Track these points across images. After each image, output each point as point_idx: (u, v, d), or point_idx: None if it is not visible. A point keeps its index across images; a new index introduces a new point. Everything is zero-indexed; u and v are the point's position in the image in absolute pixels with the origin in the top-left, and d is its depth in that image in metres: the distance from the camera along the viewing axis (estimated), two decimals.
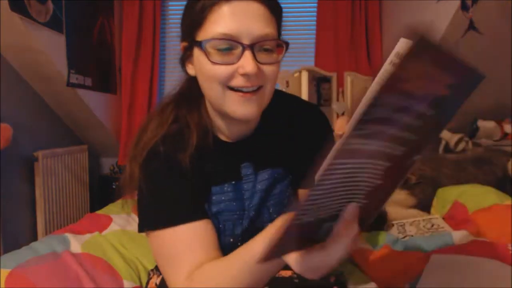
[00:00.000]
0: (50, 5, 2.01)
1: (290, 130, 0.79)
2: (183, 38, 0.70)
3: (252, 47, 0.61)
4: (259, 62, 0.62)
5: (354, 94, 2.86)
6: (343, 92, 2.86)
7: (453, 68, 0.35)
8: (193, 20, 0.64)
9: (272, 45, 0.64)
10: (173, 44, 2.94)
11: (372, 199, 0.46)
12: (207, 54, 0.62)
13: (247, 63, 0.61)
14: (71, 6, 2.22)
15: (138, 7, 2.76)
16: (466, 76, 0.37)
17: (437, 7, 1.92)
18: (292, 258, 0.48)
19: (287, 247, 0.46)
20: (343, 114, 2.89)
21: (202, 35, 0.63)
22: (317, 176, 0.39)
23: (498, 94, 2.31)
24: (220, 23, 0.61)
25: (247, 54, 0.61)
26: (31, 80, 2.17)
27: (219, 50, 0.62)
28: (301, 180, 0.78)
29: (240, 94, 0.64)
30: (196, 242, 0.66)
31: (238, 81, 0.63)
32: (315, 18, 2.83)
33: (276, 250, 0.44)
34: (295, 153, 0.78)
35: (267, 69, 0.64)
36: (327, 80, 2.86)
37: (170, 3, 2.92)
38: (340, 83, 2.85)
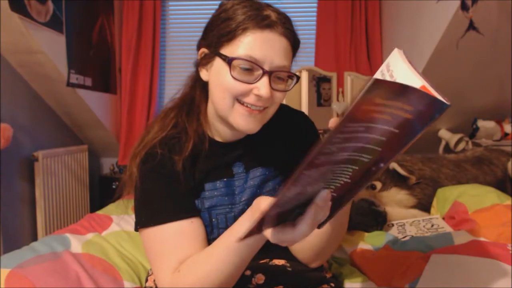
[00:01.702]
0: (50, 5, 2.01)
1: (280, 133, 0.86)
2: (205, 46, 0.75)
3: (270, 73, 0.69)
4: (272, 87, 0.70)
5: (354, 94, 2.86)
6: (343, 92, 2.86)
7: (411, 97, 0.40)
8: (223, 34, 0.70)
9: (285, 76, 0.72)
10: (173, 44, 2.94)
11: (340, 194, 0.55)
12: (231, 68, 0.68)
13: (263, 87, 0.68)
14: (71, 6, 2.22)
15: (138, 7, 2.76)
16: (427, 103, 0.41)
17: (437, 7, 1.92)
18: (269, 232, 0.55)
19: (265, 225, 0.55)
20: (343, 114, 2.89)
21: (228, 51, 0.69)
22: (291, 179, 0.46)
23: (498, 94, 2.31)
24: (250, 46, 0.68)
25: (265, 79, 0.68)
26: (31, 80, 2.17)
27: (241, 68, 0.68)
28: None
29: (247, 108, 0.71)
30: (183, 239, 0.71)
31: (250, 99, 0.70)
32: (315, 18, 2.83)
33: (257, 228, 0.53)
34: (285, 155, 0.85)
35: (276, 94, 0.72)
36: (327, 80, 2.86)
37: (170, 3, 2.92)
38: (340, 83, 2.85)
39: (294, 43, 0.73)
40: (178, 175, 0.75)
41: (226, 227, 0.76)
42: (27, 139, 2.14)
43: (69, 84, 2.21)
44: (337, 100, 2.87)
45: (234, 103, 0.71)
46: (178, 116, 0.82)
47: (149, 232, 0.73)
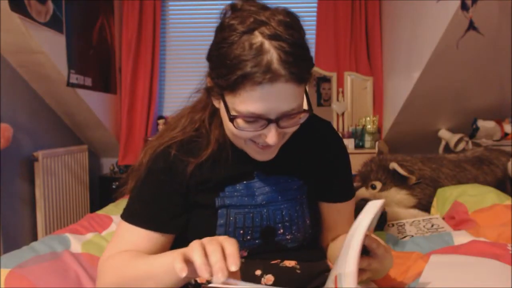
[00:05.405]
0: (50, 5, 2.01)
1: (305, 143, 0.83)
2: (211, 76, 0.69)
3: (277, 121, 0.64)
4: (281, 127, 0.66)
5: (354, 95, 2.86)
6: (343, 92, 2.86)
7: None
8: (223, 85, 0.64)
9: (296, 114, 0.66)
10: (173, 44, 2.94)
11: None
12: (234, 123, 0.65)
13: (270, 136, 0.65)
14: (71, 6, 2.22)
15: (138, 7, 2.76)
16: None
17: (437, 7, 1.92)
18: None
19: None
20: (343, 114, 2.89)
21: (231, 100, 0.65)
22: None
23: (498, 94, 2.31)
24: (250, 103, 0.62)
25: (272, 127, 0.65)
26: (31, 80, 2.17)
27: (245, 120, 0.65)
28: (316, 192, 0.83)
29: (260, 147, 0.69)
30: (143, 245, 0.74)
31: (260, 140, 0.68)
32: (315, 18, 2.83)
33: None
34: (309, 165, 0.83)
35: (288, 130, 0.68)
36: (327, 80, 2.86)
37: (170, 3, 2.93)
38: (340, 83, 2.85)
39: (303, 78, 0.64)
40: (183, 181, 0.75)
41: (243, 226, 0.76)
42: (27, 139, 2.14)
43: (69, 84, 2.21)
44: (337, 100, 2.87)
45: (246, 141, 0.70)
46: (202, 120, 0.79)
47: (123, 223, 0.77)
